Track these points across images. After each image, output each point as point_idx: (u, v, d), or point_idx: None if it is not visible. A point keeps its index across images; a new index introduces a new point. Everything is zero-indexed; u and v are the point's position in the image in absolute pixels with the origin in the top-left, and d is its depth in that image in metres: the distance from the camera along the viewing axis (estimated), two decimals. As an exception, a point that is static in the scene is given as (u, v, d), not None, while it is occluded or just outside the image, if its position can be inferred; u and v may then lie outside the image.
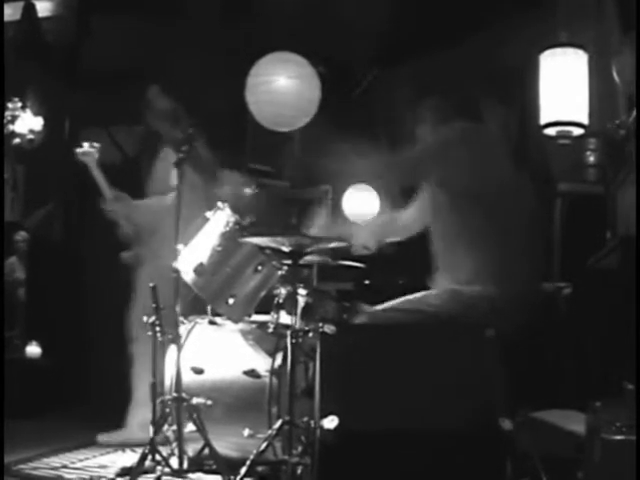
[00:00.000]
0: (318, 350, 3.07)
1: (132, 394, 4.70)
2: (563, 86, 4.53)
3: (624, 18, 4.76)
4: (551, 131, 4.59)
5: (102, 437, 4.60)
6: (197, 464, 3.66)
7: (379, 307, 3.59)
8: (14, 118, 7.26)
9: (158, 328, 3.79)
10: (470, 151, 3.51)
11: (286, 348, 3.44)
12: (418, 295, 3.57)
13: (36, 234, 7.19)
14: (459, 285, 3.46)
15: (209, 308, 3.98)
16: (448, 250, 3.60)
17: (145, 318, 3.82)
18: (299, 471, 3.15)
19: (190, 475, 3.65)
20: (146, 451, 3.52)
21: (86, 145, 4.81)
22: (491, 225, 3.43)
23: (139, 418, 4.57)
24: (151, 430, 3.66)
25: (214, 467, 3.58)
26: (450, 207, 3.59)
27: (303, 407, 3.28)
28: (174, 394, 3.64)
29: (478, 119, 3.74)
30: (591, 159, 4.84)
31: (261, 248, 3.79)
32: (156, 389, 3.83)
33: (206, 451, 3.57)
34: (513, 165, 3.66)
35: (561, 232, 4.62)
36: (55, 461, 4.17)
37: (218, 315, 3.94)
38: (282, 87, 4.70)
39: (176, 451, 3.64)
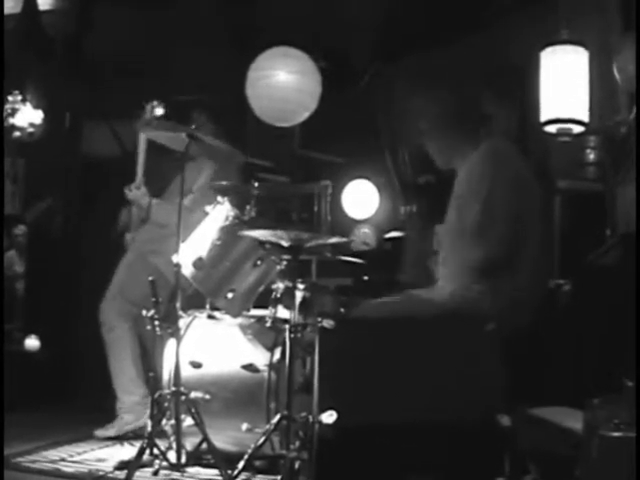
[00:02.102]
0: (316, 345, 3.07)
1: (113, 383, 4.74)
2: (563, 83, 4.53)
3: (625, 15, 4.75)
4: (551, 128, 4.59)
5: (99, 432, 4.62)
6: (195, 458, 3.65)
7: (378, 300, 3.58)
8: (14, 111, 7.26)
9: (157, 322, 3.78)
10: (504, 168, 3.49)
11: (284, 343, 3.45)
12: (418, 291, 3.57)
13: (36, 227, 7.19)
14: (460, 282, 3.45)
15: (208, 302, 3.99)
16: (451, 246, 3.59)
17: (144, 312, 3.81)
18: (297, 466, 3.14)
19: (188, 469, 3.65)
20: (144, 445, 3.52)
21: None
22: (496, 223, 3.41)
23: (125, 404, 4.65)
24: (149, 424, 3.66)
25: (212, 461, 3.58)
26: (457, 206, 3.58)
27: (301, 402, 3.28)
28: (172, 388, 3.64)
29: (495, 132, 3.69)
30: (591, 157, 4.83)
31: (260, 242, 3.79)
32: (155, 383, 3.83)
33: (204, 445, 3.56)
34: (527, 167, 3.65)
35: (561, 229, 4.62)
36: (53, 454, 4.17)
37: (217, 309, 3.95)
38: (282, 82, 4.71)
39: (174, 445, 3.63)
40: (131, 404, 4.65)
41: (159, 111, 4.76)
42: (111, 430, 4.61)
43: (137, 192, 4.79)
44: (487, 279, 3.35)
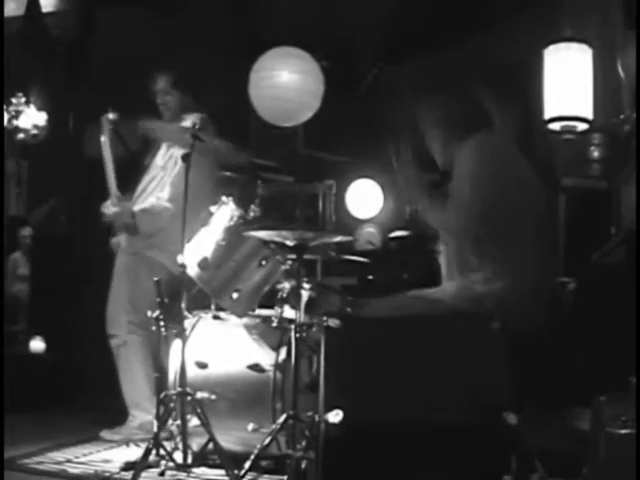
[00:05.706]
0: (322, 344, 3.07)
1: (124, 398, 4.66)
2: (567, 81, 4.54)
3: (629, 13, 4.75)
4: (555, 126, 4.60)
5: (105, 433, 4.59)
6: (201, 458, 3.65)
7: (383, 299, 3.57)
8: (18, 113, 7.28)
9: (162, 322, 3.76)
10: (492, 163, 3.47)
11: (290, 342, 3.45)
12: (423, 289, 3.57)
13: (40, 229, 7.20)
14: (467, 280, 3.44)
15: (213, 302, 3.99)
16: (457, 246, 3.58)
17: (149, 312, 3.80)
18: (303, 465, 3.14)
19: (194, 469, 3.64)
20: (150, 446, 3.52)
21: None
22: (501, 221, 3.40)
23: (138, 422, 4.58)
24: (155, 425, 3.66)
25: (218, 461, 3.58)
26: (461, 205, 3.57)
27: (307, 401, 3.28)
28: (178, 389, 3.63)
29: (490, 126, 3.66)
30: (595, 154, 4.83)
31: (265, 242, 3.79)
32: (160, 383, 3.83)
33: (210, 446, 3.56)
34: (524, 164, 3.63)
35: (565, 227, 4.61)
36: (59, 456, 4.16)
37: (222, 309, 3.95)
38: (285, 82, 4.69)
39: (180, 445, 3.63)
40: (144, 422, 4.48)
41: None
42: (118, 436, 4.56)
43: (116, 210, 4.65)
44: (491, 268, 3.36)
